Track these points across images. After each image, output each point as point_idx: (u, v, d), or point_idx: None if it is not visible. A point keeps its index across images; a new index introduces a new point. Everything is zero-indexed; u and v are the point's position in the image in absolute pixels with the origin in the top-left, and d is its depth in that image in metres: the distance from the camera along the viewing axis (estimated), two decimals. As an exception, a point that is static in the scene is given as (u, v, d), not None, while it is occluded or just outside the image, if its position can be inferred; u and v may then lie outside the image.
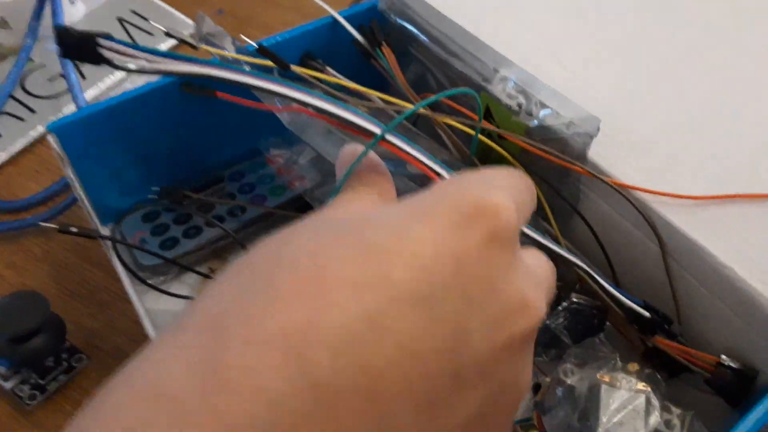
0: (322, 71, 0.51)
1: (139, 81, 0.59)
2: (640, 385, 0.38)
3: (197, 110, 0.48)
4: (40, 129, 0.60)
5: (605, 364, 0.39)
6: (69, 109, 0.60)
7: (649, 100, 0.46)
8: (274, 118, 0.42)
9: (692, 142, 0.44)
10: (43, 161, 0.59)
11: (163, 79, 0.46)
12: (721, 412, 0.39)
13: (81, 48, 0.30)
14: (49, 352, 0.43)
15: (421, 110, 0.48)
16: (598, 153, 0.42)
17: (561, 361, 0.41)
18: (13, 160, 0.59)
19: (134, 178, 0.49)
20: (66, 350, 0.45)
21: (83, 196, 0.44)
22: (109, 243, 0.43)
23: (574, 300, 0.43)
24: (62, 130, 0.44)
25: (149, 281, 0.46)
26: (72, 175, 0.44)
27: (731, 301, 0.37)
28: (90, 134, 0.46)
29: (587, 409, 0.38)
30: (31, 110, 0.61)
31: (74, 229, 0.41)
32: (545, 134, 0.44)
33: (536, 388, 0.43)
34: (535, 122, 0.44)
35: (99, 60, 0.30)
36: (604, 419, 0.36)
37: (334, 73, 0.50)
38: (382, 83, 0.51)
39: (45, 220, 0.53)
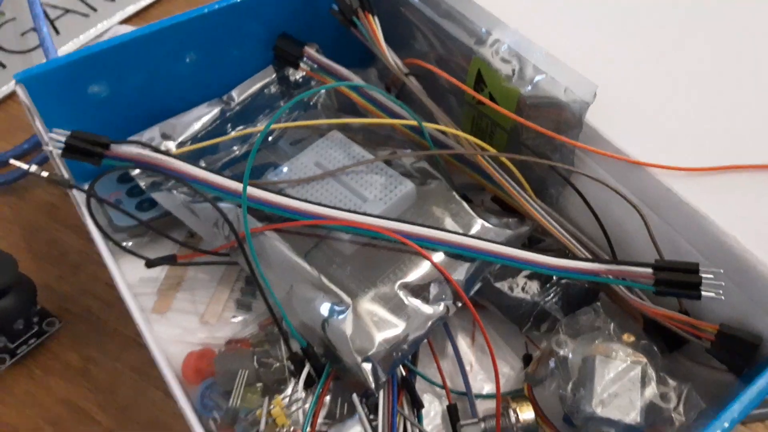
0: (299, 58, 0.49)
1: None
2: (636, 356, 0.36)
3: (170, 64, 0.46)
4: (11, 85, 0.57)
5: (600, 335, 0.38)
6: (41, 64, 0.57)
7: (649, 71, 0.45)
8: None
9: (692, 114, 0.42)
10: (14, 119, 0.56)
11: (135, 32, 0.44)
12: (719, 388, 0.38)
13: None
14: (18, 314, 0.41)
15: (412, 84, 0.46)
16: (596, 122, 0.41)
17: (554, 333, 0.39)
18: (-19, 117, 0.56)
19: (106, 134, 0.47)
20: (36, 313, 0.42)
21: (54, 151, 0.41)
22: (82, 201, 0.41)
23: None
24: (31, 81, 0.42)
25: (123, 243, 0.43)
26: (41, 129, 0.42)
27: (733, 270, 0.36)
28: (60, 86, 0.43)
29: (581, 379, 0.36)
30: (2, 65, 0.58)
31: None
32: (539, 100, 0.42)
33: (527, 360, 0.42)
34: (529, 88, 0.42)
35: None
36: (598, 389, 0.35)
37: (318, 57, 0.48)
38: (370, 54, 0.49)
39: (14, 180, 0.51)
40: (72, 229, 0.48)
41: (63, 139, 0.39)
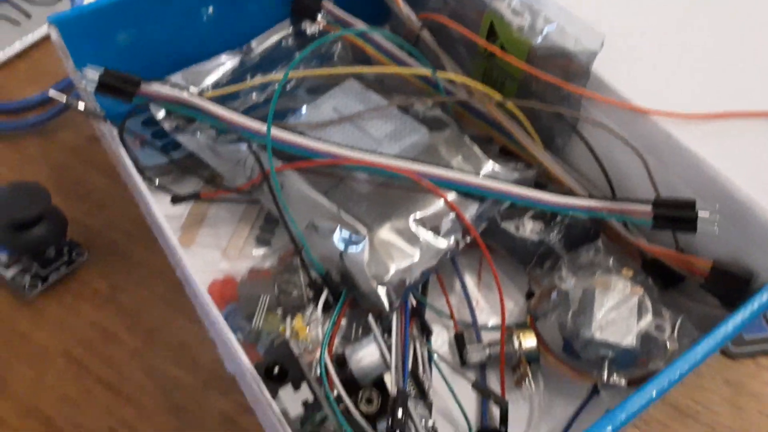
0: (316, 11, 0.51)
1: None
2: (634, 288, 0.39)
3: (191, 16, 0.48)
4: (37, 34, 0.58)
5: (600, 269, 0.40)
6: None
7: (653, 22, 0.47)
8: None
9: (693, 63, 0.44)
10: (39, 66, 0.58)
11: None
12: (712, 323, 0.40)
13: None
14: (50, 242, 0.43)
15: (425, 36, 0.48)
16: (602, 71, 0.43)
17: (556, 269, 0.42)
18: (8, 65, 0.58)
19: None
20: (66, 244, 0.45)
21: (88, 87, 0.43)
22: (112, 137, 0.43)
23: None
24: (63, 23, 0.44)
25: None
26: (73, 70, 0.44)
27: (727, 210, 0.38)
28: (88, 30, 0.45)
29: (581, 308, 0.39)
30: (27, 15, 0.60)
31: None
32: (549, 51, 0.44)
33: (530, 296, 0.45)
34: (540, 39, 0.44)
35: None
36: (598, 316, 0.38)
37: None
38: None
39: (42, 123, 0.53)
40: (98, 170, 0.50)
41: (97, 75, 0.41)
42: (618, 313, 0.38)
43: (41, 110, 0.54)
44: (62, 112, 0.53)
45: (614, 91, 0.42)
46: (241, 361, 0.32)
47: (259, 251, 0.46)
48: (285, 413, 0.31)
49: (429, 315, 0.43)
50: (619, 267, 0.40)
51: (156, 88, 0.43)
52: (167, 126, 0.47)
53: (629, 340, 0.37)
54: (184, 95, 0.44)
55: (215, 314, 0.34)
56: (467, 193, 0.42)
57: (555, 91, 0.45)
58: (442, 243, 0.41)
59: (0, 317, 0.42)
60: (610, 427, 0.30)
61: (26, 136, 0.52)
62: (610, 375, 0.37)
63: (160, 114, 0.47)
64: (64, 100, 0.40)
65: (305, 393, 0.32)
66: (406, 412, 0.34)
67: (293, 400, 0.32)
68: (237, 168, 0.45)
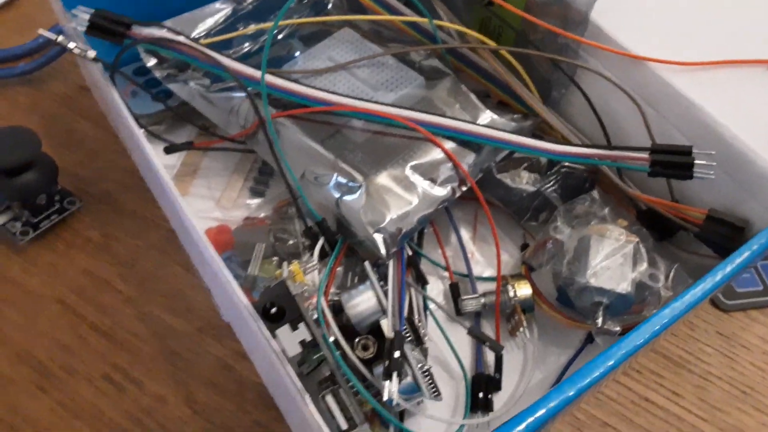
0: None
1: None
2: (629, 237, 0.39)
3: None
4: (23, -18, 0.57)
5: (595, 219, 0.41)
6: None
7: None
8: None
9: (691, 11, 0.44)
10: (26, 16, 0.57)
11: None
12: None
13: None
14: (41, 189, 0.43)
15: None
16: (600, 19, 0.42)
17: (551, 220, 0.42)
18: (-6, 14, 0.56)
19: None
20: (57, 192, 0.44)
21: (78, 29, 0.42)
22: (106, 81, 0.42)
23: (565, 164, 0.44)
24: (54, -35, 0.43)
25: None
26: (62, 12, 0.43)
27: (723, 158, 0.38)
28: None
29: (576, 256, 0.39)
30: (13, -37, 0.58)
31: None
32: (547, -1, 0.43)
33: (524, 248, 0.45)
34: (538, -14, 0.44)
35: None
36: (593, 263, 0.38)
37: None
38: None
39: (31, 71, 0.52)
40: (89, 120, 0.50)
41: (87, 16, 0.40)
42: (613, 260, 0.38)
43: (30, 59, 0.53)
44: (51, 62, 0.52)
45: (612, 39, 0.42)
46: (240, 300, 0.32)
47: (253, 201, 0.45)
48: (284, 353, 0.31)
49: (424, 266, 0.43)
50: (614, 217, 0.41)
51: (148, 30, 0.42)
52: (159, 74, 0.46)
53: (624, 287, 0.37)
54: (180, 38, 0.43)
55: (213, 256, 0.34)
56: (464, 141, 0.42)
57: (553, 41, 0.44)
58: (439, 191, 0.41)
59: (-7, 265, 0.42)
60: (602, 368, 0.30)
61: (15, 85, 0.51)
62: (604, 322, 0.37)
63: (152, 61, 0.46)
64: (57, 39, 0.39)
65: (303, 334, 0.32)
66: (403, 354, 0.34)
67: (291, 340, 0.32)
68: (230, 117, 0.45)
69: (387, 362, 0.34)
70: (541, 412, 0.29)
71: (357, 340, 0.37)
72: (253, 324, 0.32)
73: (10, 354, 0.39)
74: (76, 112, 0.50)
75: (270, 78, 0.42)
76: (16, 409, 0.37)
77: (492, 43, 0.45)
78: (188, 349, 0.40)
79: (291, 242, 0.41)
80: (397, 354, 0.34)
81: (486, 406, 0.38)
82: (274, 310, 0.32)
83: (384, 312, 0.37)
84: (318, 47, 0.47)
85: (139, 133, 0.39)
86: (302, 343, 0.32)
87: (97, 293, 0.42)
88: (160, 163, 0.37)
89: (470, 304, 0.41)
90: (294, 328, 0.32)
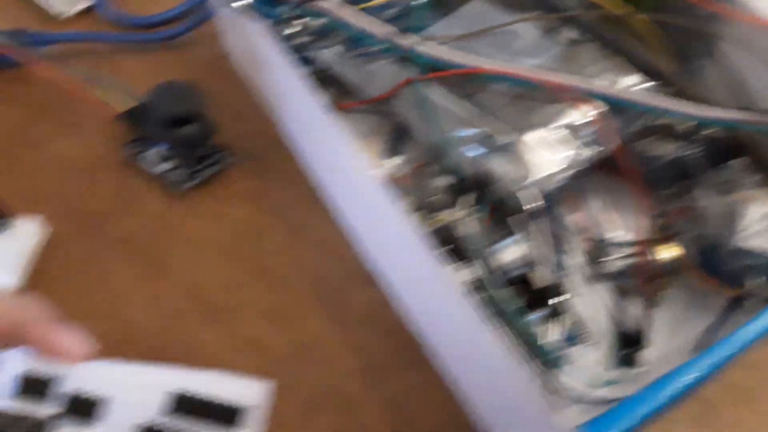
0: None
1: None
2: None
3: None
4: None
5: (742, 186, 0.41)
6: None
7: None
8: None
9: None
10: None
11: None
12: None
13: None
14: (203, 139, 0.46)
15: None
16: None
17: (696, 187, 0.42)
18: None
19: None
20: (215, 146, 0.47)
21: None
22: (264, 38, 0.44)
23: (707, 130, 0.44)
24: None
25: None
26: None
27: None
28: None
29: (725, 221, 0.39)
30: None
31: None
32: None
33: (660, 215, 0.45)
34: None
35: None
36: (743, 226, 0.38)
37: None
38: None
39: (174, 37, 0.55)
40: (231, 84, 0.52)
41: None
42: (764, 224, 0.38)
43: (171, 26, 0.56)
44: (193, 29, 0.55)
45: (752, 8, 0.43)
46: (412, 228, 0.34)
47: (393, 161, 0.48)
48: (459, 285, 0.33)
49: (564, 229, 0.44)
50: (763, 185, 0.41)
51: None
52: (300, 40, 0.49)
53: (777, 249, 0.38)
54: (323, 3, 0.45)
55: (389, 195, 0.35)
56: (607, 104, 0.43)
57: (692, 11, 0.45)
58: (581, 154, 0.42)
59: (158, 209, 0.45)
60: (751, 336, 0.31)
61: (160, 50, 0.55)
62: (754, 284, 0.38)
63: (294, 28, 0.48)
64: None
65: (467, 274, 0.34)
66: (560, 302, 0.36)
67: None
68: (369, 80, 0.47)
69: (544, 308, 0.36)
70: (693, 375, 0.30)
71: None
72: (426, 255, 0.33)
73: (182, 290, 0.42)
74: (217, 76, 0.53)
75: (415, 43, 0.45)
76: (191, 336, 0.40)
77: (630, 10, 0.46)
78: (341, 291, 0.42)
79: (436, 199, 0.43)
80: (555, 299, 0.35)
81: (631, 362, 0.39)
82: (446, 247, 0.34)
83: (531, 264, 0.39)
84: (452, 16, 0.49)
85: (303, 82, 0.41)
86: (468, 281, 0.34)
87: (254, 238, 0.44)
88: (323, 108, 0.39)
89: (612, 265, 0.42)
90: (460, 268, 0.34)
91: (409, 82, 0.44)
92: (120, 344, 0.39)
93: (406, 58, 0.45)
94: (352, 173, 0.39)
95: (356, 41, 0.48)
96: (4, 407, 0.30)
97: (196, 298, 0.42)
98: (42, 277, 0.41)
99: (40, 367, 0.31)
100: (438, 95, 0.45)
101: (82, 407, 0.30)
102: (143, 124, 0.46)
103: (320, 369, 0.39)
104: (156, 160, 0.46)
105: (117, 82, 0.49)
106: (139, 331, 0.40)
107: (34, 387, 0.30)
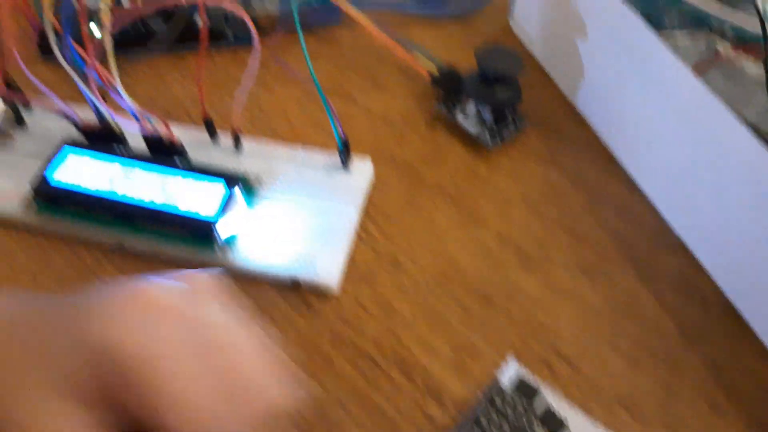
0: None
1: None
2: None
3: None
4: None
5: None
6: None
7: None
8: None
9: None
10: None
11: None
12: None
13: None
14: (514, 102, 0.48)
15: None
16: None
17: None
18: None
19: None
20: (516, 109, 0.50)
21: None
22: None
23: None
24: None
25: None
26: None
27: None
28: None
29: None
30: None
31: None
32: None
33: None
34: None
35: None
36: None
37: None
38: None
39: (464, 13, 0.59)
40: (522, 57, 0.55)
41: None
42: None
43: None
44: (483, 6, 0.59)
45: None
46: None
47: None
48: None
49: None
50: None
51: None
52: None
53: None
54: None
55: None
56: None
57: None
58: None
59: (467, 163, 0.48)
60: None
61: (449, 23, 0.58)
62: None
63: None
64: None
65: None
66: None
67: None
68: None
69: None
70: None
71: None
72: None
73: (494, 236, 0.44)
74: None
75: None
76: (509, 281, 0.42)
77: None
78: (645, 255, 0.43)
79: None
80: None
81: None
82: None
83: None
84: None
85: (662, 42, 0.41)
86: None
87: (554, 196, 0.46)
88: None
89: None
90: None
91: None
92: (448, 279, 0.42)
93: None
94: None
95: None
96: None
97: (509, 245, 0.44)
98: (375, 212, 0.45)
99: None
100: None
101: None
102: (459, 84, 0.49)
103: (638, 326, 0.40)
104: (470, 118, 0.49)
105: (421, 48, 0.53)
106: (463, 268, 0.43)
107: None
